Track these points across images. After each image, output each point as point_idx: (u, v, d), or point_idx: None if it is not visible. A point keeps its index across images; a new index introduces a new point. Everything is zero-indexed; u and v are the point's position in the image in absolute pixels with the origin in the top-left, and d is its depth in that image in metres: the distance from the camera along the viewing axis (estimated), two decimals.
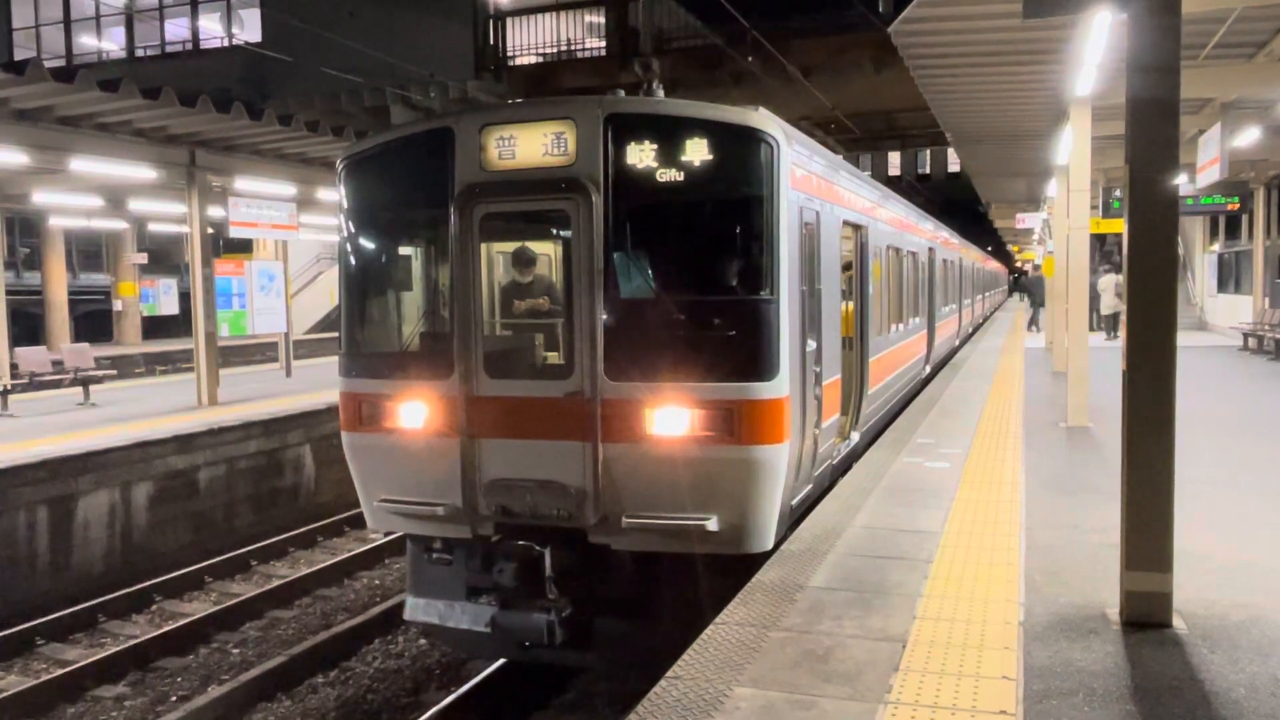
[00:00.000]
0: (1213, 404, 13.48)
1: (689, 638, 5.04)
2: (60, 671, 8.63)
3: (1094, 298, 27.45)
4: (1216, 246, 29.43)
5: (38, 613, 9.98)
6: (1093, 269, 29.26)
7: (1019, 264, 78.06)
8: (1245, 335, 21.99)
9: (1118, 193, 19.97)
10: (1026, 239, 52.62)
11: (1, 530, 10.27)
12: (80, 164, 14.08)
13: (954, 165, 46.81)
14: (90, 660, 8.83)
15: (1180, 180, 17.30)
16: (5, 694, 8.14)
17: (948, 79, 12.49)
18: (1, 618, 9.88)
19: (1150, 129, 5.19)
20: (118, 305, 35.02)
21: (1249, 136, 14.71)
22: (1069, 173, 13.02)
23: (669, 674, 4.57)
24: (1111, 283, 23.95)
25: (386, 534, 11.38)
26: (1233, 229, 28.02)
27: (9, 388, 15.00)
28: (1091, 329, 28.69)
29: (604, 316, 6.47)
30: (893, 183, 42.81)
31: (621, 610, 6.89)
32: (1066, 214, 13.67)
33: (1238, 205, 20.16)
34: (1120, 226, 5.54)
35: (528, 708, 7.78)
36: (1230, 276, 28.05)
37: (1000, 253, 73.91)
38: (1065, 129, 13.62)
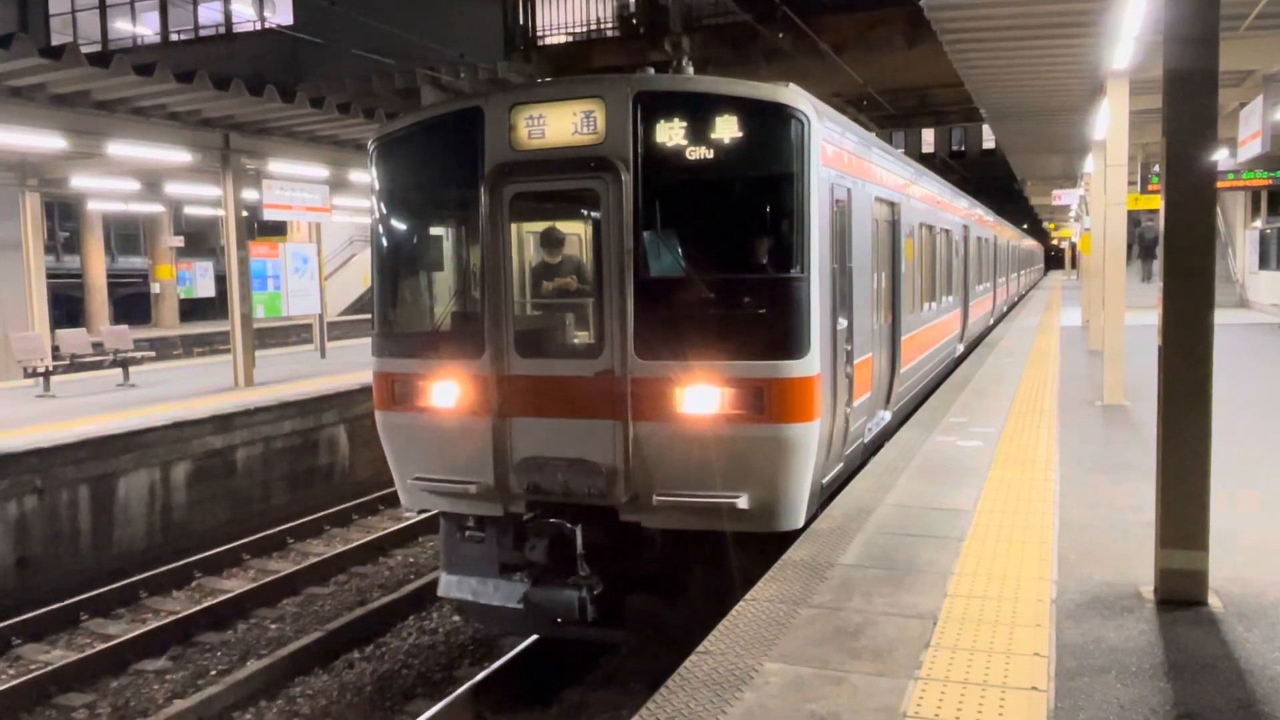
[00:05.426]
0: (1252, 382, 13.26)
1: (719, 615, 5.06)
2: (104, 646, 8.84)
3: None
4: (1258, 222, 28.86)
5: (82, 588, 10.20)
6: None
7: (1055, 241, 77.10)
8: None
9: (1156, 168, 19.63)
10: (1063, 216, 51.92)
11: (45, 508, 10.50)
12: (117, 147, 14.25)
13: (989, 142, 46.29)
14: (133, 635, 9.03)
15: (1221, 155, 16.83)
16: (52, 667, 8.35)
17: (982, 53, 12.30)
18: (47, 593, 10.12)
19: (1188, 102, 5.09)
20: (155, 288, 35.54)
21: None
22: (1106, 148, 12.80)
23: (699, 649, 4.60)
24: None
25: (420, 512, 11.51)
26: (1275, 205, 27.43)
27: (51, 369, 15.27)
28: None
29: (634, 295, 6.48)
30: (927, 160, 42.40)
31: (652, 587, 6.92)
32: (1104, 190, 13.45)
33: None
34: (1158, 202, 5.44)
35: (559, 684, 7.85)
36: (1272, 253, 27.48)
37: (1036, 230, 72.93)
38: (1102, 103, 13.39)
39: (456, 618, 9.31)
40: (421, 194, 7.57)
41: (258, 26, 32.81)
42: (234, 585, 10.70)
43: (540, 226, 7.55)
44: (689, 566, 6.82)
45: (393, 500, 13.01)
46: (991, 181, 46.24)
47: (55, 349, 17.14)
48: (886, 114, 31.23)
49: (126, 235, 40.99)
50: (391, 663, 8.60)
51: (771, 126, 6.49)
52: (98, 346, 17.21)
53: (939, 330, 13.58)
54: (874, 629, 4.77)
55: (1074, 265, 59.08)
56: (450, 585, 7.56)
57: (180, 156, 15.21)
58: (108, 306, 32.47)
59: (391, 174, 7.46)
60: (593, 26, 29.31)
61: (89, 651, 8.75)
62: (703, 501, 6.49)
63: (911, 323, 10.86)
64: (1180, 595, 5.19)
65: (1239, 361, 15.18)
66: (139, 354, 17.33)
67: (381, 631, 9.26)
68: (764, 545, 6.41)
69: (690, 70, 7.69)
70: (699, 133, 6.40)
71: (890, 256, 9.76)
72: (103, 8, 35.05)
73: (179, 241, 34.14)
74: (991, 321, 23.86)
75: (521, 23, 29.75)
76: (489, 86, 24.80)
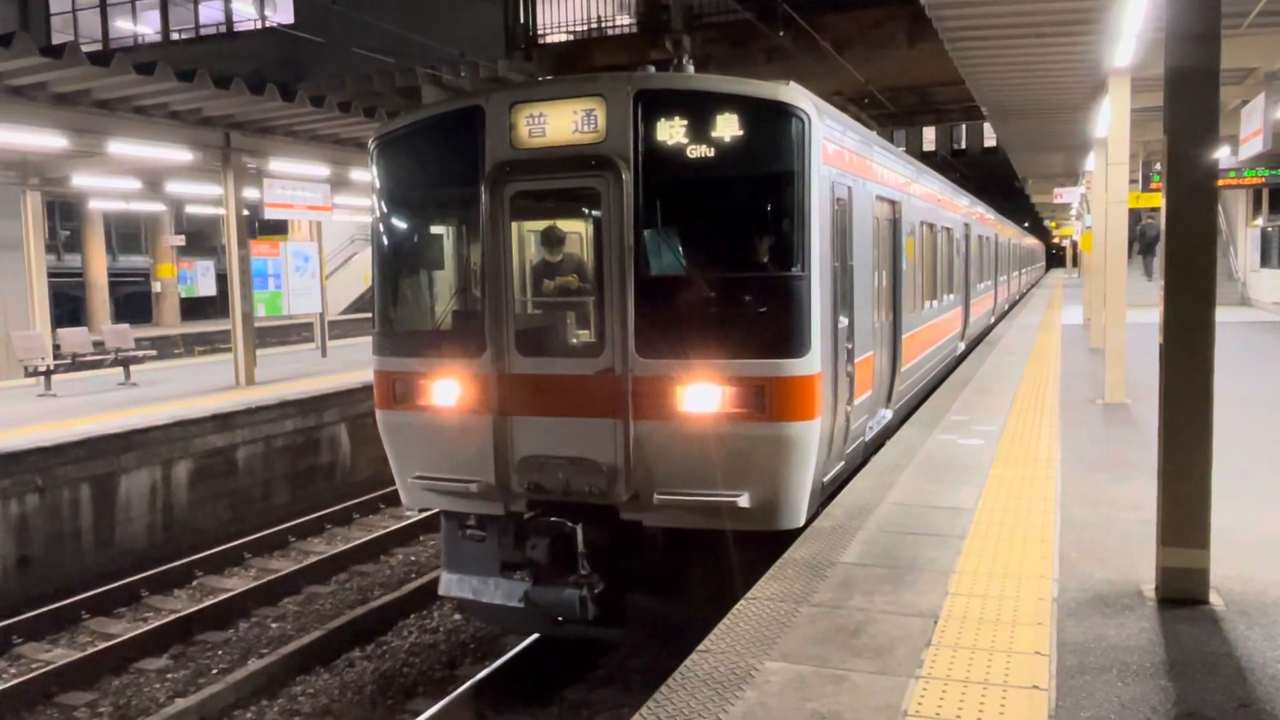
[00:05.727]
0: (1253, 380, 13.25)
1: (719, 613, 5.05)
2: (105, 644, 8.84)
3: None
4: (1260, 220, 28.83)
5: (83, 587, 10.20)
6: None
7: (1056, 239, 77.08)
8: None
9: (1158, 166, 19.59)
10: (1064, 214, 51.88)
11: (47, 507, 10.50)
12: (118, 146, 14.25)
13: (990, 140, 46.22)
14: (134, 634, 9.03)
15: (1223, 152, 16.77)
16: (54, 666, 8.35)
17: (983, 52, 12.28)
18: (49, 592, 10.12)
19: (1190, 99, 5.08)
20: (156, 287, 35.58)
21: None
22: (1108, 146, 12.79)
23: (700, 648, 4.60)
24: None
25: (421, 511, 11.52)
26: (1276, 203, 27.40)
27: (52, 368, 15.27)
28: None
29: (634, 294, 6.47)
30: (928, 158, 42.37)
31: (653, 586, 6.92)
32: (1105, 188, 13.44)
33: None
34: (1160, 200, 5.44)
35: (561, 682, 7.85)
36: (1274, 251, 27.44)
37: (1037, 228, 72.86)
38: (1104, 101, 13.37)
39: (457, 616, 9.32)
40: (422, 193, 7.57)
41: (258, 25, 32.81)
42: (235, 584, 10.70)
43: (541, 225, 7.54)
44: (690, 565, 6.81)
45: (393, 499, 13.00)
46: (993, 180, 46.19)
47: (56, 348, 17.13)
48: (888, 112, 31.18)
49: (128, 234, 41.02)
50: (393, 661, 8.60)
51: (772, 125, 6.48)
52: (99, 345, 17.21)
53: (940, 328, 13.58)
54: (875, 627, 4.77)
55: (1075, 263, 59.12)
56: (451, 584, 7.56)
57: (181, 155, 15.21)
58: (109, 305, 32.50)
59: (392, 173, 7.45)
60: (593, 25, 29.28)
61: (90, 650, 8.76)
62: (704, 500, 6.48)
63: (912, 321, 10.85)
64: (1181, 593, 5.19)
65: (1240, 359, 15.17)
66: (140, 353, 17.34)
67: (383, 630, 9.26)
68: (765, 544, 6.41)
69: (691, 68, 7.68)
70: (699, 131, 6.39)
71: (891, 255, 9.75)
72: (103, 6, 35.03)
73: (180, 240, 34.13)
74: (993, 320, 23.86)
75: (522, 21, 29.72)
76: (490, 85, 24.78)
